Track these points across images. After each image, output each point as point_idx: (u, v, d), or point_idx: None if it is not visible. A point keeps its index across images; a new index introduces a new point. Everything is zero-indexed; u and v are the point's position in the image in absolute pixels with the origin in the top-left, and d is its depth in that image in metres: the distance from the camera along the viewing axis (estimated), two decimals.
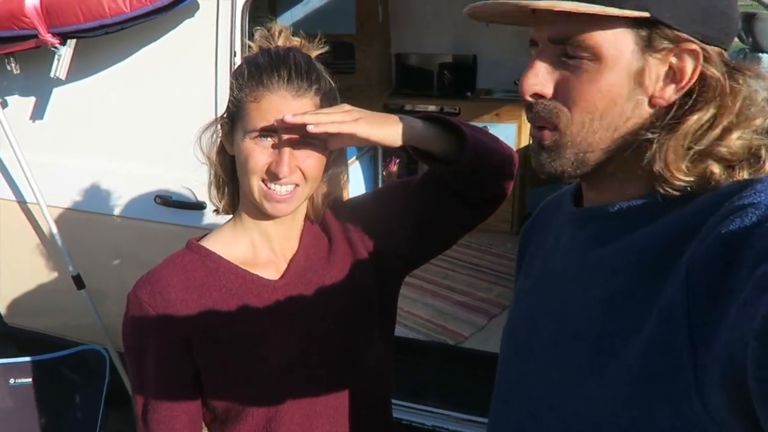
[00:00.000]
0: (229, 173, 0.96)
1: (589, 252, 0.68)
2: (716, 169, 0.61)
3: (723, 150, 0.61)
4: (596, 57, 0.62)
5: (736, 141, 0.61)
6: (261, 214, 0.91)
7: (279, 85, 0.84)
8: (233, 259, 0.93)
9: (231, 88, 0.89)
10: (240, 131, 0.87)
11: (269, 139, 0.85)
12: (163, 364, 0.92)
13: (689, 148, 0.61)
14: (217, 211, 1.00)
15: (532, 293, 0.78)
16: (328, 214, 1.00)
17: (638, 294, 0.60)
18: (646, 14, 0.60)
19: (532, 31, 0.68)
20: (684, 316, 0.54)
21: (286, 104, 0.84)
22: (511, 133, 3.35)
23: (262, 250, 0.95)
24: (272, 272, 0.95)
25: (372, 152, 3.71)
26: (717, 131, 0.61)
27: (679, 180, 0.61)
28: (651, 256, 0.61)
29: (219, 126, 0.94)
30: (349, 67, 3.76)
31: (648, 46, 0.62)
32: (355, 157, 3.38)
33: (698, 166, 0.61)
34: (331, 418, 0.97)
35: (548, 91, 0.66)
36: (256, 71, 0.86)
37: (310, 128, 0.80)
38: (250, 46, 0.94)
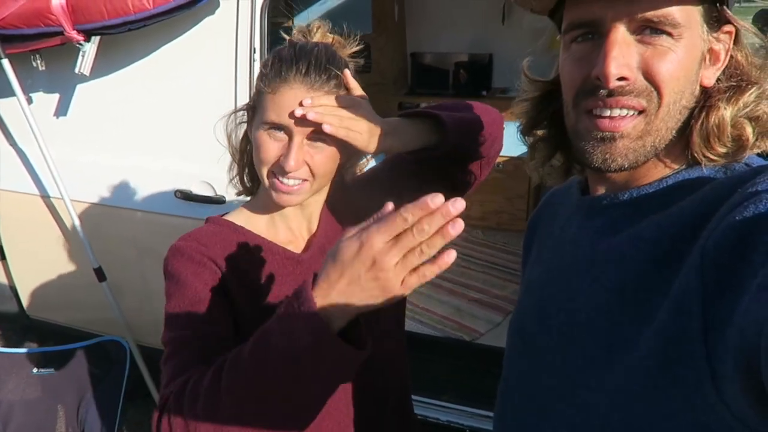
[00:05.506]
0: (250, 158, 0.97)
1: (599, 242, 0.67)
2: (749, 129, 0.61)
3: (759, 111, 0.62)
4: (677, 35, 0.60)
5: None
6: None
7: (296, 78, 0.85)
8: (257, 232, 0.95)
9: (258, 79, 0.90)
10: (257, 121, 0.89)
11: (282, 132, 0.86)
12: (201, 292, 0.86)
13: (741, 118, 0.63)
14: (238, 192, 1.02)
15: (541, 284, 0.77)
16: (343, 194, 1.00)
17: (651, 283, 0.59)
18: None
19: (589, 12, 0.62)
20: (699, 303, 0.53)
21: (300, 98, 0.85)
22: None
23: (281, 228, 0.97)
24: (293, 249, 0.96)
25: None
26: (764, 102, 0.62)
27: (715, 152, 0.62)
28: (663, 245, 0.60)
29: (245, 112, 0.96)
30: (365, 66, 3.76)
31: (710, 25, 0.62)
32: None
33: (735, 131, 0.62)
34: (343, 399, 0.96)
35: (634, 74, 0.61)
36: (278, 63, 0.87)
37: (326, 128, 0.82)
38: (284, 40, 0.96)
